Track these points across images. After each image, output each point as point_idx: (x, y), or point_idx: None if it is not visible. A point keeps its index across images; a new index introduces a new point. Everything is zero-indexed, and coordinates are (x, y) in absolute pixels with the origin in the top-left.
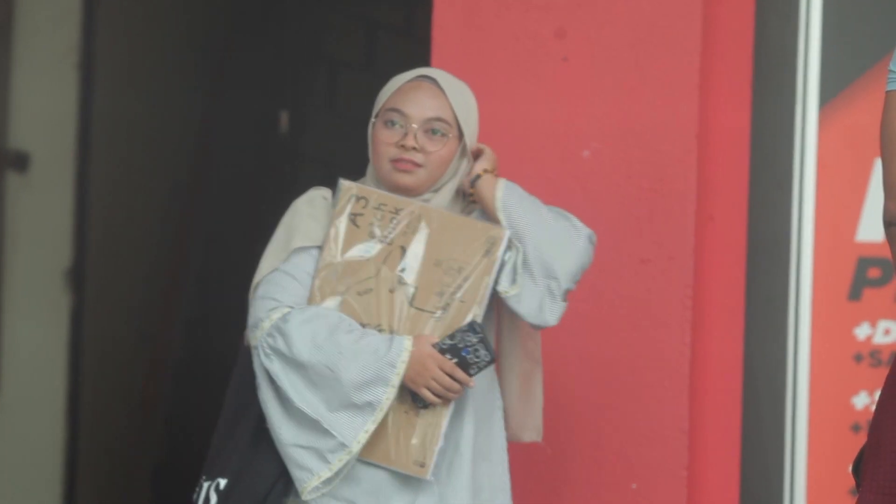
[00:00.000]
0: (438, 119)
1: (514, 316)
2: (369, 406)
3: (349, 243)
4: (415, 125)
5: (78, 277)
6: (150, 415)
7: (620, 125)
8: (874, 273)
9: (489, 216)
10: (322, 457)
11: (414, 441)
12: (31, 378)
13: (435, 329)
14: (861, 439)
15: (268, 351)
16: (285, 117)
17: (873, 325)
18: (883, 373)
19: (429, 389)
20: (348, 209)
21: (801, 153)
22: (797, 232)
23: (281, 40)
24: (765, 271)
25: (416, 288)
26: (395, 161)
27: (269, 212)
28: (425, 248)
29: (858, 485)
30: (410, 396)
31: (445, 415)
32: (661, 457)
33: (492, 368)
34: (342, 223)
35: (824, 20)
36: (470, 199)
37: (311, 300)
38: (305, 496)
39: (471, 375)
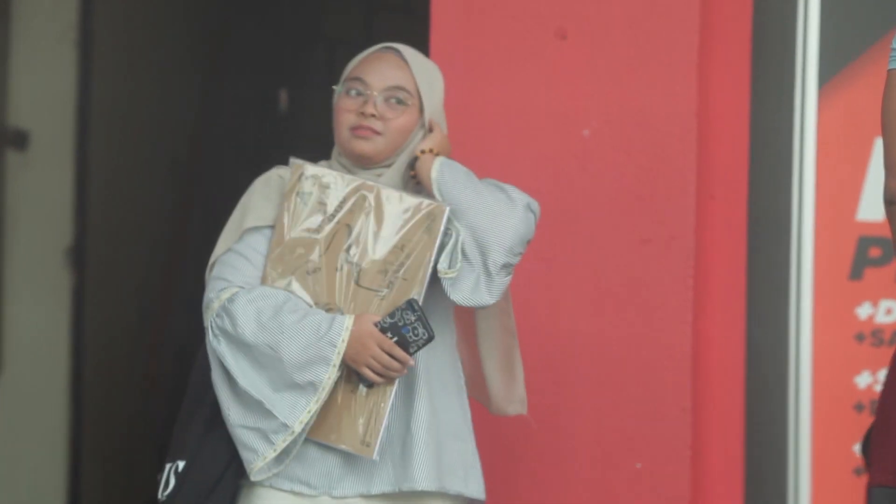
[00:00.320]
0: (399, 87)
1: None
2: (311, 386)
3: (299, 222)
4: (375, 93)
5: (79, 256)
6: (153, 394)
7: (620, 104)
8: (875, 252)
9: (429, 194)
10: (266, 438)
11: (360, 421)
12: (33, 358)
13: (380, 307)
14: (864, 418)
15: (216, 332)
16: (285, 95)
17: (875, 304)
18: (885, 352)
19: (370, 368)
20: (298, 188)
21: (801, 132)
22: (798, 211)
23: (279, 19)
24: (766, 250)
25: (362, 266)
26: (354, 128)
27: None
28: (370, 225)
29: (867, 464)
30: (356, 376)
31: (390, 394)
32: (665, 436)
33: (453, 347)
34: (293, 202)
35: None
36: (413, 180)
37: (263, 280)
38: (253, 477)
39: (410, 354)
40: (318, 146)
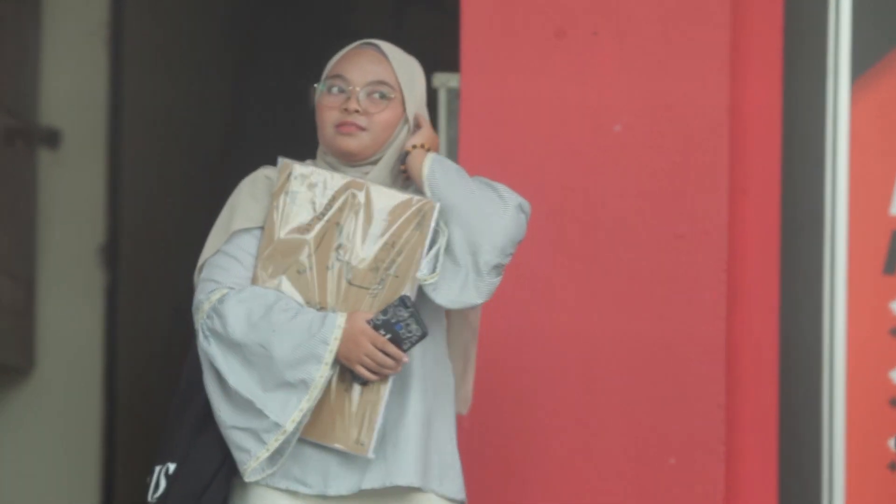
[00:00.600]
0: (381, 82)
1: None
2: (303, 384)
3: (288, 222)
4: (357, 88)
5: (111, 255)
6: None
7: (651, 99)
8: None
9: (420, 191)
10: (258, 438)
11: (354, 419)
12: (66, 356)
13: (372, 305)
14: None
15: (206, 333)
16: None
17: None
18: None
19: (363, 366)
20: (287, 187)
21: (834, 127)
22: (831, 205)
23: (308, 15)
24: (799, 245)
25: (353, 264)
26: (338, 126)
27: None
28: (360, 223)
29: None
30: (350, 375)
31: (384, 392)
32: (699, 432)
33: (443, 345)
34: (281, 202)
35: None
36: (403, 175)
37: (254, 280)
38: (247, 478)
39: (404, 350)
40: None
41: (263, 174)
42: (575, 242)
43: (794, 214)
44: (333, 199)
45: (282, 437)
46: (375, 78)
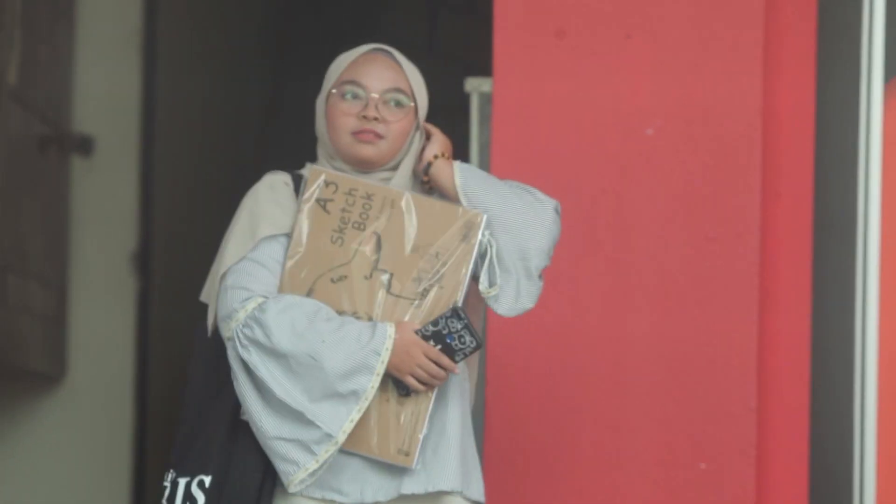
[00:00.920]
0: (397, 89)
1: (477, 297)
2: (353, 395)
3: (320, 230)
4: (375, 95)
5: (144, 261)
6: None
7: (684, 102)
8: None
9: (451, 201)
10: (308, 449)
11: (398, 430)
12: (98, 362)
13: (414, 316)
14: None
15: (244, 342)
16: None
17: None
18: None
19: (413, 377)
20: (317, 194)
21: (867, 129)
22: (864, 208)
23: (343, 18)
24: (832, 248)
25: (393, 274)
26: (357, 133)
27: None
28: (401, 233)
29: None
30: (392, 384)
31: (429, 402)
32: (730, 436)
33: None
34: (312, 209)
35: None
36: (426, 186)
37: (281, 289)
38: (292, 489)
39: (456, 362)
40: None
41: (280, 180)
42: (607, 246)
43: (826, 217)
44: (371, 208)
45: (333, 448)
46: (391, 85)
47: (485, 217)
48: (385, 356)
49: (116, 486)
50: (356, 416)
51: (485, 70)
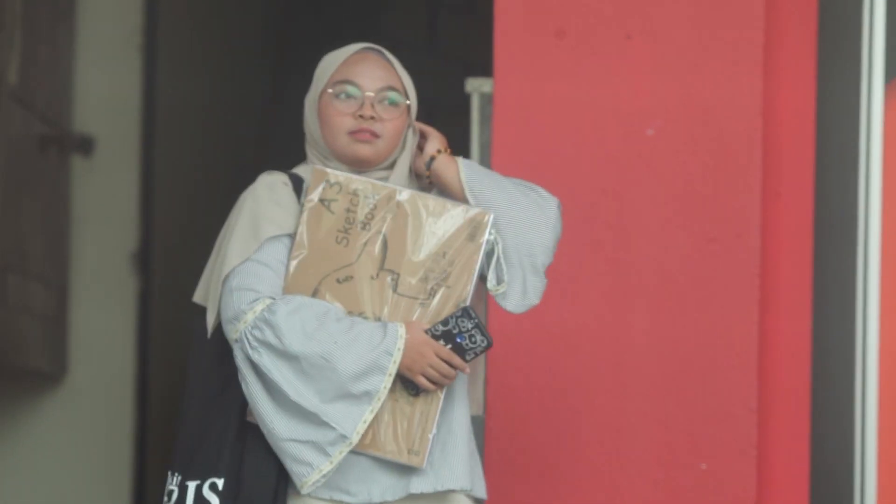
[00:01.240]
0: (391, 88)
1: (479, 295)
2: (367, 395)
3: (324, 230)
4: (370, 94)
5: (144, 261)
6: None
7: (685, 103)
8: None
9: (452, 197)
10: (322, 450)
11: (405, 429)
12: (99, 362)
13: (421, 316)
14: None
15: (254, 344)
16: None
17: None
18: None
19: (425, 376)
20: (321, 195)
21: (868, 129)
22: (864, 209)
23: (343, 19)
24: (832, 249)
25: (399, 274)
26: (353, 132)
27: None
28: (406, 232)
29: None
30: (402, 384)
31: (439, 401)
32: (731, 437)
33: None
34: (315, 209)
35: None
36: (427, 182)
37: (286, 290)
38: (305, 490)
39: (466, 361)
40: None
41: (279, 180)
42: (607, 246)
43: (827, 218)
44: (376, 208)
45: (346, 449)
46: (386, 84)
47: (491, 216)
48: (397, 356)
49: (117, 485)
50: (369, 416)
51: (485, 70)
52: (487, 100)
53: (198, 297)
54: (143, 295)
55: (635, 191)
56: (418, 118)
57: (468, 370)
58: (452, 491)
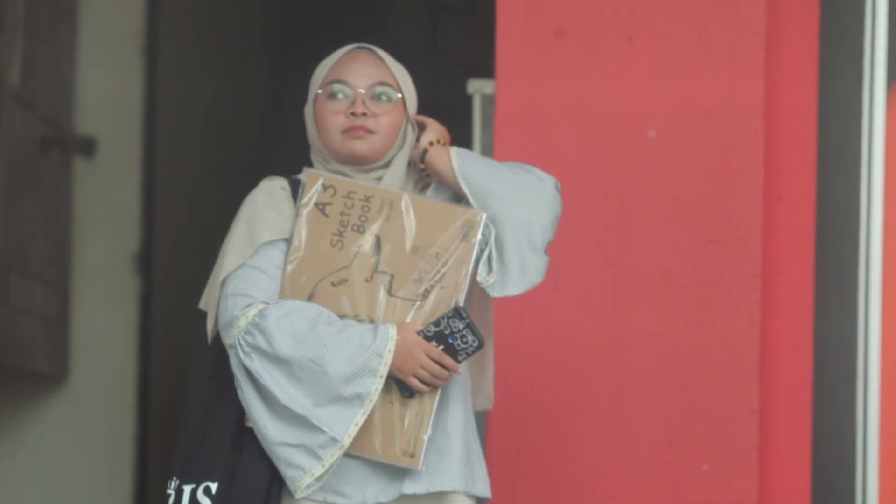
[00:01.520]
0: (383, 83)
1: (482, 292)
2: (358, 398)
3: (319, 233)
4: (361, 91)
5: (146, 262)
6: None
7: (686, 105)
8: None
9: (448, 187)
10: (313, 453)
11: (400, 431)
12: (100, 364)
13: (416, 317)
14: None
15: (246, 349)
16: None
17: None
18: None
19: (416, 377)
20: (315, 198)
21: (870, 131)
22: (866, 211)
23: (345, 20)
24: (834, 251)
25: (394, 276)
26: (346, 130)
27: None
28: (400, 234)
29: None
30: (396, 386)
31: (433, 402)
32: (732, 438)
33: None
34: (311, 213)
35: None
36: (423, 174)
37: (282, 294)
38: (299, 494)
39: (458, 361)
40: None
41: (278, 185)
42: (608, 247)
43: (828, 219)
44: (369, 210)
45: (338, 452)
46: (376, 79)
47: (484, 216)
48: (388, 358)
49: (118, 486)
50: (361, 419)
51: (487, 72)
52: (489, 101)
53: (202, 304)
54: (145, 296)
55: (637, 192)
56: None
57: (460, 370)
58: (447, 492)
